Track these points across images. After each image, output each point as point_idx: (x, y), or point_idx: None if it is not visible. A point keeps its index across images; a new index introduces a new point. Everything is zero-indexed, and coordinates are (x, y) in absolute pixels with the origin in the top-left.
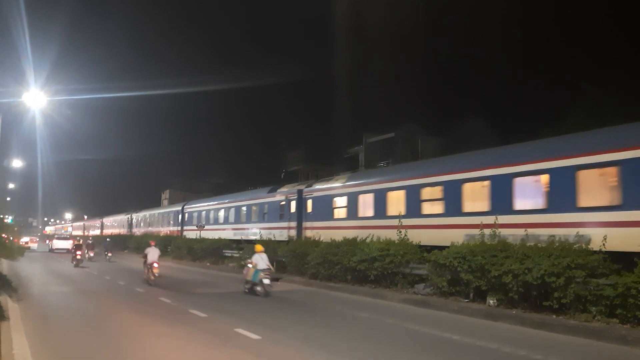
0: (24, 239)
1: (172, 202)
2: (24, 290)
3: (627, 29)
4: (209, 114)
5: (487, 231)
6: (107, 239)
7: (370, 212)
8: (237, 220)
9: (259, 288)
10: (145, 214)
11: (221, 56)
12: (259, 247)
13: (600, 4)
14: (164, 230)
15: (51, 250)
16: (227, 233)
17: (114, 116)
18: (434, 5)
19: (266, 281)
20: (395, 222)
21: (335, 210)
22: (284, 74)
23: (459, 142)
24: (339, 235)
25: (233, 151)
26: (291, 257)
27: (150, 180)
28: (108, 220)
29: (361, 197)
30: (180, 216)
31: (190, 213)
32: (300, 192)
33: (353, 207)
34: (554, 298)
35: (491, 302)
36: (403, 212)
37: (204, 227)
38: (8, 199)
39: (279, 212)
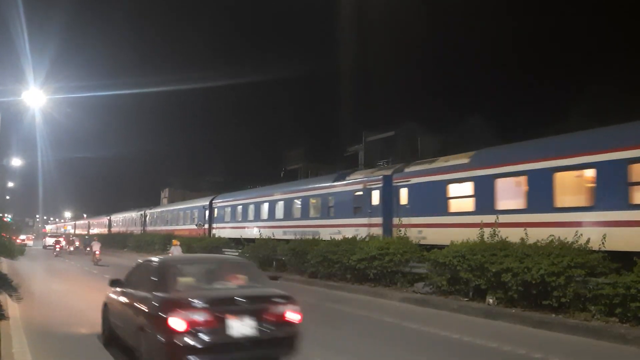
0: (22, 237)
1: (171, 200)
2: (24, 289)
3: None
4: (208, 112)
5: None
6: (86, 237)
7: (516, 203)
8: (288, 216)
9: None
10: (162, 210)
11: (220, 53)
12: (175, 242)
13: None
14: (185, 228)
15: (44, 247)
16: (274, 232)
17: (114, 114)
18: (433, 4)
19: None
20: (568, 217)
21: (453, 202)
22: (283, 72)
23: (460, 140)
24: (459, 235)
25: (232, 150)
26: (291, 256)
27: (149, 179)
28: (117, 218)
29: (501, 183)
30: (207, 212)
31: (222, 208)
32: (387, 178)
33: (486, 196)
34: (554, 297)
35: (491, 300)
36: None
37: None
38: (7, 197)
39: (353, 205)
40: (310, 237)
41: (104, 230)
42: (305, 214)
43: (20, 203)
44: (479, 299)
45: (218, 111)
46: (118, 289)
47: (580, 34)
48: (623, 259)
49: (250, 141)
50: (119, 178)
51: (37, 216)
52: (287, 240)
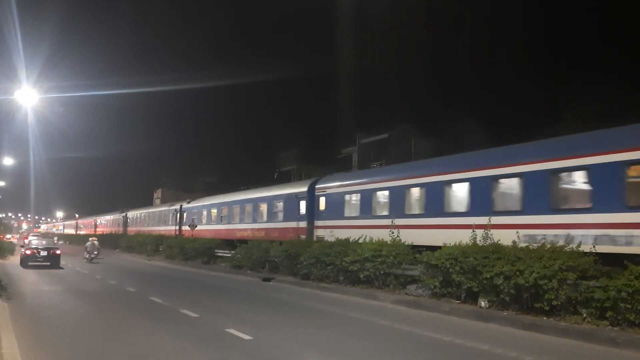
0: (8, 236)
1: (164, 201)
2: (14, 288)
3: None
4: (202, 113)
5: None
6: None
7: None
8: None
9: (92, 256)
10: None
11: (215, 54)
12: (93, 238)
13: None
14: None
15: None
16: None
17: (107, 114)
18: (428, 9)
19: (92, 256)
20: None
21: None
22: (278, 73)
23: (453, 142)
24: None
25: (226, 151)
26: (284, 258)
27: (142, 179)
28: (132, 214)
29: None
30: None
31: (339, 196)
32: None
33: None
34: (545, 300)
35: (483, 303)
36: None
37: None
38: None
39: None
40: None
41: (91, 231)
42: (252, 219)
43: (12, 203)
44: (471, 301)
45: (212, 112)
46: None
47: (576, 37)
48: (615, 263)
49: (243, 142)
50: (111, 178)
51: (14, 221)
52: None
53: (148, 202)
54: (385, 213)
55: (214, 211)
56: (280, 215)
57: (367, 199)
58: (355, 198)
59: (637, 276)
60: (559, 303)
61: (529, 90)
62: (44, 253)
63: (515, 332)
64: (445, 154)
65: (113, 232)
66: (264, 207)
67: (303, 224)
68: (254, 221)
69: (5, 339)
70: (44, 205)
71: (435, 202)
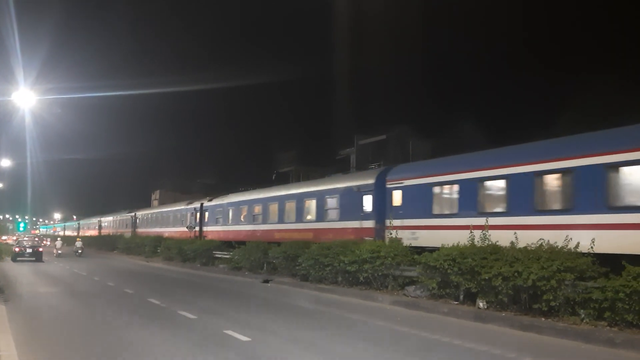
0: (4, 237)
1: (162, 202)
2: (11, 290)
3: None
4: (200, 114)
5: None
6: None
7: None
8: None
9: (60, 252)
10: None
11: (212, 55)
12: (58, 239)
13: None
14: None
15: None
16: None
17: (104, 115)
18: (425, 10)
19: (60, 252)
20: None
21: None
22: (276, 75)
23: (451, 143)
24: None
25: (224, 152)
26: (282, 259)
27: (140, 181)
28: (142, 214)
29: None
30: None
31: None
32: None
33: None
34: (544, 301)
35: (481, 304)
36: None
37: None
38: None
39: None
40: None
41: (95, 232)
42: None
43: (9, 204)
44: (470, 302)
45: (210, 113)
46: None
47: (573, 39)
48: (613, 263)
49: (242, 143)
50: (109, 180)
51: (26, 217)
52: (279, 243)
53: (146, 204)
54: (500, 209)
55: (245, 209)
56: (335, 214)
57: (470, 191)
58: (449, 191)
59: (635, 277)
60: (557, 304)
61: (528, 90)
62: (29, 250)
63: (514, 332)
64: (443, 154)
65: (119, 234)
66: (311, 204)
67: (369, 224)
68: (299, 220)
69: (3, 341)
70: (41, 207)
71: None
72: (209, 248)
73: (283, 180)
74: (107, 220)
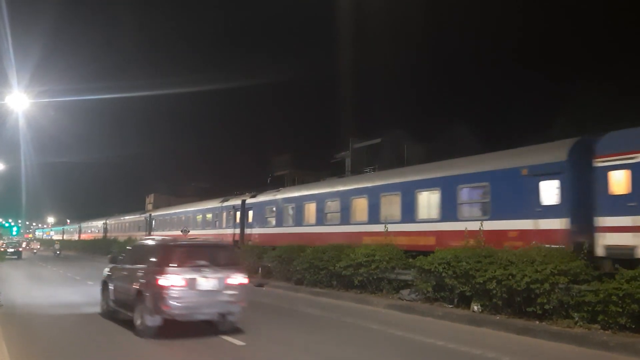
0: None
1: (156, 206)
2: (4, 294)
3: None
4: (194, 117)
5: None
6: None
7: (271, 221)
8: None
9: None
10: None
11: (207, 58)
12: (57, 242)
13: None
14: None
15: None
16: None
17: (98, 118)
18: (421, 14)
19: (35, 250)
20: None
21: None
22: (270, 78)
23: (446, 148)
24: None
25: (218, 155)
26: (277, 263)
27: (134, 184)
28: (160, 214)
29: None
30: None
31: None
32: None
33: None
34: (538, 304)
35: (475, 307)
36: None
37: None
38: None
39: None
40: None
41: (100, 235)
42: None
43: (2, 208)
44: (464, 305)
45: (204, 116)
46: None
47: (569, 41)
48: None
49: (236, 147)
50: (103, 183)
51: (20, 221)
52: (274, 247)
53: (140, 207)
54: None
55: (311, 207)
56: (479, 209)
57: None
58: None
59: (628, 280)
60: (551, 307)
61: (522, 95)
62: (11, 250)
63: (508, 336)
64: (438, 159)
65: (132, 238)
66: (430, 197)
67: (553, 223)
68: (408, 220)
69: None
70: (35, 211)
71: None
72: None
73: (278, 183)
74: (114, 222)
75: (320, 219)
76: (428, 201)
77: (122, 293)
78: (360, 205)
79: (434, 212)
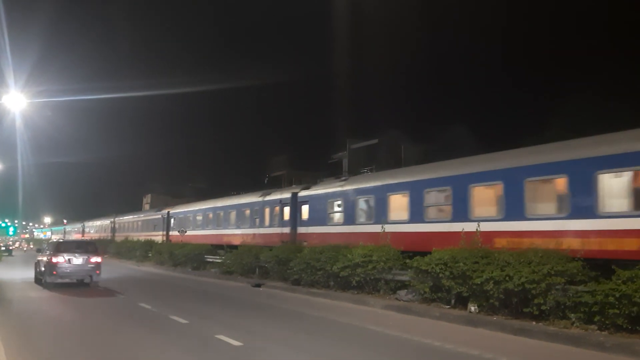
0: None
1: (153, 206)
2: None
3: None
4: (192, 118)
5: None
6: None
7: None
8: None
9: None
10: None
11: (204, 59)
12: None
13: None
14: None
15: None
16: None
17: (95, 119)
18: (418, 15)
19: (25, 249)
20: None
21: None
22: (267, 79)
23: (443, 149)
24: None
25: (216, 156)
26: (274, 263)
27: (131, 185)
28: (181, 211)
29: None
30: None
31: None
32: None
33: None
34: (534, 304)
35: (472, 308)
36: None
37: None
38: None
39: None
40: None
41: (108, 235)
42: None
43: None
44: (461, 306)
45: (201, 116)
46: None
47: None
48: (603, 267)
49: (234, 147)
50: (100, 183)
51: (16, 221)
52: (270, 248)
53: (137, 207)
54: None
55: (401, 198)
56: None
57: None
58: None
59: (625, 281)
60: (548, 308)
61: (520, 96)
62: (3, 248)
63: (505, 336)
64: (435, 160)
65: (144, 239)
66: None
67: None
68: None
69: None
70: (32, 211)
71: None
72: (200, 252)
73: (275, 184)
74: (124, 221)
75: (418, 214)
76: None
77: (40, 267)
78: (481, 195)
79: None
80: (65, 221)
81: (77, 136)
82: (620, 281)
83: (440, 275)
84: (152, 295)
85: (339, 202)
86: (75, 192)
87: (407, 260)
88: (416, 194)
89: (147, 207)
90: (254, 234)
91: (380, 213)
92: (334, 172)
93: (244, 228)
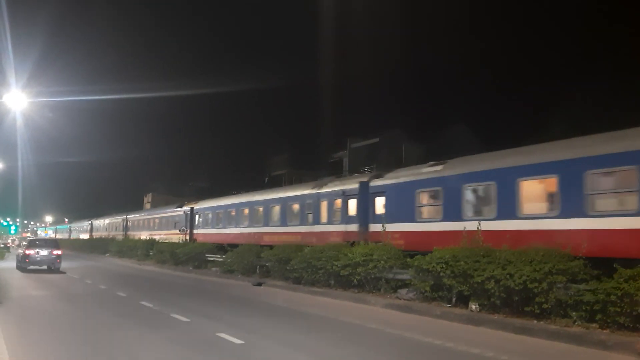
0: None
1: (154, 205)
2: (3, 292)
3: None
4: (192, 118)
5: None
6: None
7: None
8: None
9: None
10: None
11: (204, 61)
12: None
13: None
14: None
15: None
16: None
17: (96, 119)
18: (416, 13)
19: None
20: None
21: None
22: (267, 79)
23: (444, 148)
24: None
25: (217, 155)
26: (275, 262)
27: (132, 184)
28: (208, 207)
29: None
30: None
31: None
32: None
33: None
34: (536, 303)
35: (473, 307)
36: None
37: None
38: None
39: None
40: None
41: (120, 234)
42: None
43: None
44: (462, 305)
45: (202, 117)
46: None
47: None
48: (605, 266)
49: (234, 147)
50: (101, 183)
51: (17, 220)
52: (271, 246)
53: (139, 207)
54: None
55: (533, 186)
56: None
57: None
58: None
59: (627, 279)
60: (549, 306)
61: (521, 95)
62: (1, 245)
63: (506, 335)
64: (435, 159)
65: (162, 238)
66: None
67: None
68: None
69: None
70: (32, 210)
71: None
72: (202, 251)
73: (276, 183)
74: (139, 219)
75: (576, 205)
76: None
77: (19, 257)
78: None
79: None
80: (66, 220)
81: (78, 136)
82: (622, 279)
83: (441, 274)
84: (154, 294)
85: (435, 192)
86: (76, 191)
87: (408, 259)
88: (571, 177)
89: (148, 206)
90: (305, 232)
91: (504, 204)
92: (335, 171)
93: (292, 225)
